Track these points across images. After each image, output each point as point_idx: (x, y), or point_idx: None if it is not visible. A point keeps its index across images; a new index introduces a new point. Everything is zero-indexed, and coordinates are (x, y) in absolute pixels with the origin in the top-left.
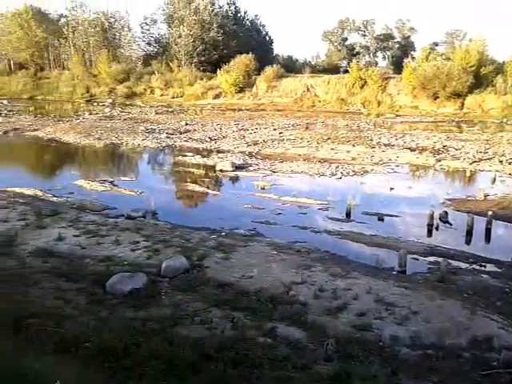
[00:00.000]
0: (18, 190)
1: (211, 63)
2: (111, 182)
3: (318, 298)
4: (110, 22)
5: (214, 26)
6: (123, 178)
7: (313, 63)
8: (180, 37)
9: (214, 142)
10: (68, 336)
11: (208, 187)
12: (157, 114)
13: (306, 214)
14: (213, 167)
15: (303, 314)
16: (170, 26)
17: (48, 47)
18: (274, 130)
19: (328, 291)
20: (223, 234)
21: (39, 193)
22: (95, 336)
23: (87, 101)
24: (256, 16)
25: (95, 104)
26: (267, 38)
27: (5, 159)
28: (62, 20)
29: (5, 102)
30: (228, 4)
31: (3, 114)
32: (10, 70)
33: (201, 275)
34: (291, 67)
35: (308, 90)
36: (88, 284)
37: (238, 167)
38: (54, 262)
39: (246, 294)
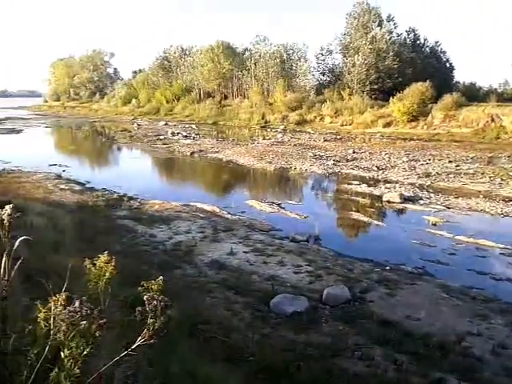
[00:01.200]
0: (199, 205)
1: (383, 91)
2: (278, 205)
3: (496, 354)
4: (288, 54)
5: (390, 54)
6: (289, 201)
7: (499, 91)
8: (354, 66)
9: (381, 171)
10: (234, 347)
11: (373, 218)
12: (325, 140)
13: (484, 257)
14: (379, 197)
15: (478, 370)
16: (344, 56)
17: (232, 78)
18: (450, 162)
19: (510, 349)
20: (387, 268)
21: (216, 209)
22: (258, 351)
23: (262, 127)
24: (436, 43)
25: (268, 130)
26: (447, 65)
27: (190, 177)
28: (247, 53)
29: (193, 126)
30: (407, 32)
31: (191, 137)
32: (200, 98)
33: (363, 308)
34: (474, 95)
35: (493, 120)
36: (254, 299)
37: (406, 199)
38: (225, 274)
39: (411, 337)
